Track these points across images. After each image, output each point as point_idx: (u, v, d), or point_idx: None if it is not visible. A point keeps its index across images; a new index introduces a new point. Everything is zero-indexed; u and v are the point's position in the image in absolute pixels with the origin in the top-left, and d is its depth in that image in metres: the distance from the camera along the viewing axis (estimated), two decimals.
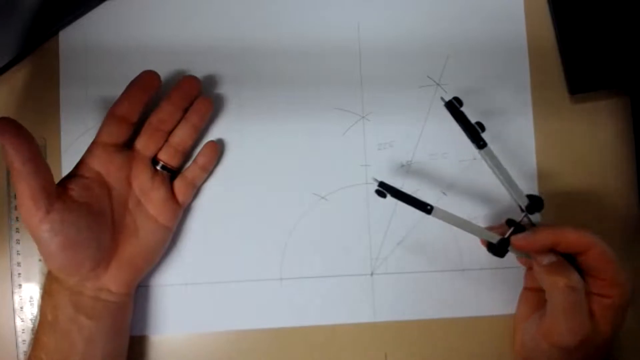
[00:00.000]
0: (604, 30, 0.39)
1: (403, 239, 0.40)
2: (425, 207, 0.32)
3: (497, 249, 0.35)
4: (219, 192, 0.40)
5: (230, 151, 0.41)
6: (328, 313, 0.40)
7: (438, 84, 0.41)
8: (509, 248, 0.35)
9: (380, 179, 0.32)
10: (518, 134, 0.40)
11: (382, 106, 0.41)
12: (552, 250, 0.34)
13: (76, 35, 0.41)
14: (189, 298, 0.40)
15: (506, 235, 0.35)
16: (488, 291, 0.40)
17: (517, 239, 0.34)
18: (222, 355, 0.40)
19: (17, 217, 0.40)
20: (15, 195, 0.40)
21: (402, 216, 0.40)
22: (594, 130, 0.41)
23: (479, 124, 0.33)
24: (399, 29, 0.41)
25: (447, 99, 0.34)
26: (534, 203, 0.35)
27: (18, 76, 0.41)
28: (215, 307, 0.40)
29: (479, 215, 0.40)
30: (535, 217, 0.36)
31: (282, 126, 0.41)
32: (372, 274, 0.40)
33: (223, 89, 0.41)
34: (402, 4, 0.41)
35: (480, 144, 0.33)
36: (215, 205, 0.40)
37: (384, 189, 0.32)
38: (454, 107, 0.33)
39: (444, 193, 0.40)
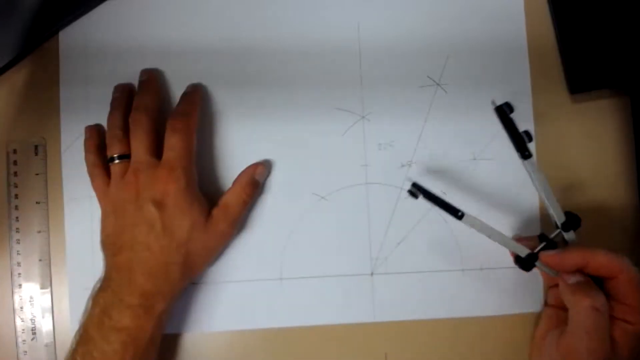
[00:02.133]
0: (604, 30, 0.39)
1: (403, 239, 0.40)
2: (456, 213, 0.32)
3: (525, 262, 0.35)
4: (219, 193, 0.40)
5: (230, 151, 0.41)
6: (328, 313, 0.40)
7: (438, 84, 0.41)
8: (537, 263, 0.35)
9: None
10: None
11: (382, 106, 0.41)
12: (580, 270, 0.34)
13: (76, 35, 0.41)
14: (189, 298, 0.40)
15: (536, 250, 0.35)
16: (488, 291, 0.40)
17: (547, 256, 0.34)
18: (222, 355, 0.40)
19: (17, 217, 0.40)
20: (15, 196, 0.40)
21: (402, 216, 0.40)
22: (594, 130, 0.41)
23: (527, 133, 0.32)
24: (399, 29, 0.41)
25: (497, 103, 0.32)
26: (571, 220, 0.35)
27: (18, 76, 0.41)
28: (215, 307, 0.40)
29: (479, 215, 0.40)
30: (571, 236, 0.35)
31: (282, 126, 0.41)
32: (372, 274, 0.40)
33: (223, 89, 0.41)
34: (402, 4, 0.41)
35: (525, 154, 0.32)
36: (215, 205, 0.40)
37: (417, 190, 0.32)
38: (503, 113, 0.32)
39: (444, 193, 0.40)
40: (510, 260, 0.39)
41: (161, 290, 0.36)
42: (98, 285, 0.36)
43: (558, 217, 0.35)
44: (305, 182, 0.41)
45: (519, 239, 0.37)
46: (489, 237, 0.34)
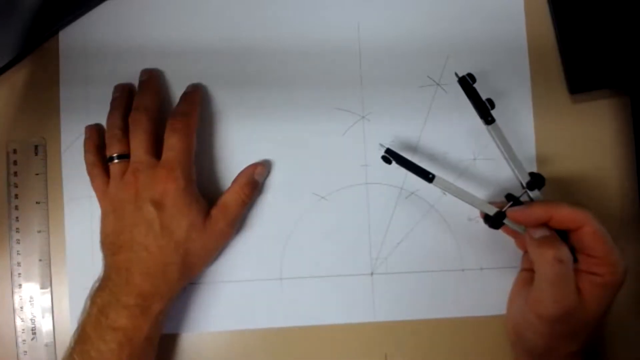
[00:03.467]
0: (604, 30, 0.39)
1: (403, 239, 0.40)
2: (427, 176, 0.34)
3: (493, 220, 0.36)
4: (219, 193, 0.40)
5: (230, 151, 0.41)
6: (328, 313, 0.40)
7: (438, 84, 0.41)
8: (505, 221, 0.36)
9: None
10: (518, 133, 0.40)
11: (382, 106, 0.41)
12: (546, 225, 0.34)
13: (76, 35, 0.41)
14: (189, 298, 0.40)
15: (504, 209, 0.36)
16: (488, 291, 0.40)
17: (513, 212, 0.35)
18: (222, 355, 0.40)
19: (17, 217, 0.40)
20: (15, 196, 0.40)
21: (402, 216, 0.40)
22: (594, 130, 0.41)
23: (489, 100, 0.35)
24: (399, 29, 0.41)
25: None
26: (535, 180, 0.36)
27: (18, 76, 0.41)
28: (215, 307, 0.40)
29: (479, 215, 0.40)
30: (536, 196, 0.36)
31: (282, 126, 0.41)
32: (372, 274, 0.40)
33: (223, 89, 0.41)
34: (402, 4, 0.41)
35: (488, 119, 0.35)
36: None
37: (390, 155, 0.34)
38: (466, 82, 0.35)
39: (444, 193, 0.40)
40: (510, 260, 0.39)
41: (159, 290, 0.36)
42: (97, 284, 0.36)
43: (523, 178, 0.36)
44: (305, 182, 0.41)
45: (489, 202, 0.38)
46: (460, 198, 0.35)
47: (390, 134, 0.41)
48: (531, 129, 0.41)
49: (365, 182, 0.41)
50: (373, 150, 0.41)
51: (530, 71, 0.41)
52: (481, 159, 0.41)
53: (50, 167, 0.41)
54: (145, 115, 0.38)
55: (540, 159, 0.40)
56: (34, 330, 0.40)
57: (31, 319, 0.40)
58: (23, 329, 0.40)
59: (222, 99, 0.41)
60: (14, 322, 0.40)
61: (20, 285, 0.40)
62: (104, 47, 0.41)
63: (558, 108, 0.41)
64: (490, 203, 0.36)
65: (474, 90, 0.35)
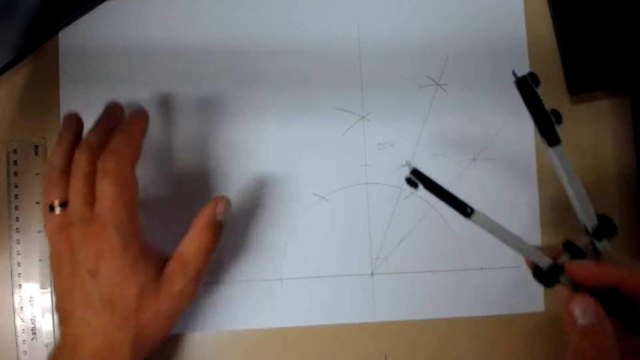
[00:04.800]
0: (604, 30, 0.39)
1: (403, 239, 0.40)
2: (464, 209, 0.27)
3: (546, 276, 0.28)
4: (219, 192, 0.40)
5: (230, 151, 0.41)
6: (328, 313, 0.40)
7: (438, 84, 0.41)
8: (561, 278, 0.28)
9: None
10: (518, 134, 0.40)
11: (382, 106, 0.41)
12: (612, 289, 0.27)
13: (76, 35, 0.41)
14: None
15: (560, 261, 0.28)
16: (488, 291, 0.40)
17: (576, 266, 0.28)
18: (222, 355, 0.40)
19: (17, 217, 0.40)
20: (15, 196, 0.40)
21: (402, 216, 0.40)
22: (594, 130, 0.41)
23: (555, 112, 0.26)
24: (399, 29, 0.41)
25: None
26: (605, 226, 0.28)
27: (18, 76, 0.41)
28: (215, 307, 0.40)
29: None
30: (604, 245, 0.29)
31: (282, 126, 0.41)
32: (372, 274, 0.40)
33: (223, 89, 0.41)
34: (402, 4, 0.41)
35: (553, 139, 0.26)
36: None
37: (417, 178, 0.26)
38: (527, 86, 0.26)
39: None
40: (510, 260, 0.39)
41: None
42: (52, 350, 0.32)
43: (589, 221, 0.28)
44: (305, 182, 0.41)
45: (538, 247, 0.29)
46: (503, 241, 0.28)
47: (390, 134, 0.41)
48: (531, 129, 0.41)
49: (365, 182, 0.41)
50: (373, 150, 0.41)
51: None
52: (481, 159, 0.41)
53: None
54: (87, 154, 0.31)
55: (540, 159, 0.40)
56: (34, 330, 0.40)
57: (31, 319, 0.40)
58: (23, 329, 0.40)
59: (221, 99, 0.41)
60: (14, 322, 0.40)
61: (20, 285, 0.40)
62: (104, 47, 0.41)
63: (558, 108, 0.41)
64: (540, 249, 0.28)
65: (537, 97, 0.26)
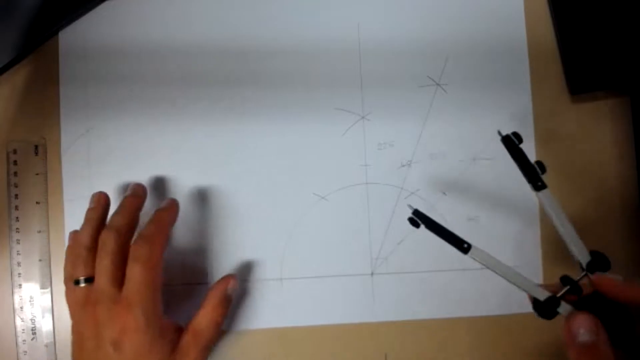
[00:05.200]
0: (604, 30, 0.39)
1: (403, 239, 0.40)
2: (461, 245, 0.29)
3: (545, 308, 0.29)
4: (219, 193, 0.40)
5: (230, 151, 0.41)
6: (328, 313, 0.40)
7: (438, 84, 0.41)
8: (561, 310, 0.29)
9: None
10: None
11: (382, 106, 0.41)
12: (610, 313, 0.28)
13: (76, 35, 0.41)
14: (189, 299, 0.40)
15: (559, 294, 0.29)
16: (488, 291, 0.40)
17: (604, 279, 0.29)
18: (222, 355, 0.40)
19: (17, 217, 0.40)
20: (15, 196, 0.40)
21: (402, 216, 0.40)
22: (594, 130, 0.41)
23: (539, 163, 0.30)
24: (399, 29, 0.41)
25: (504, 133, 0.30)
26: (597, 261, 0.29)
27: (18, 76, 0.41)
28: None
29: (479, 215, 0.40)
30: None
31: (282, 126, 0.41)
32: (372, 274, 0.40)
33: (223, 89, 0.41)
34: (402, 4, 0.41)
35: (538, 184, 0.30)
36: (215, 205, 0.40)
37: (418, 218, 0.29)
38: (512, 143, 0.30)
39: (443, 193, 0.40)
40: (510, 260, 0.39)
41: None
42: None
43: (582, 257, 0.30)
44: (305, 182, 0.41)
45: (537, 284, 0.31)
46: (500, 274, 0.30)
47: (390, 134, 0.41)
48: (531, 129, 0.41)
49: (365, 182, 0.41)
50: (373, 150, 0.41)
51: (530, 71, 0.41)
52: (481, 159, 0.41)
53: (50, 167, 0.41)
54: (115, 236, 0.34)
55: (540, 159, 0.40)
56: (34, 330, 0.40)
57: (31, 319, 0.40)
58: (23, 329, 0.40)
59: (221, 99, 0.41)
60: (14, 322, 0.40)
61: (20, 285, 0.40)
62: (104, 47, 0.41)
63: (558, 108, 0.41)
64: (542, 286, 0.30)
65: (521, 152, 0.30)
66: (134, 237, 0.35)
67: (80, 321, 0.34)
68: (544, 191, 0.30)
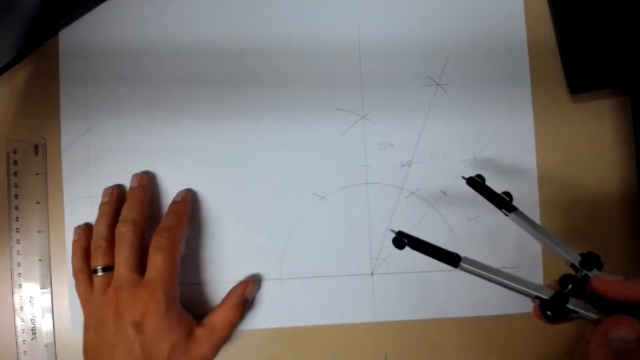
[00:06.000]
0: (604, 30, 0.39)
1: None
2: (450, 258, 0.28)
3: (553, 306, 0.26)
4: (219, 193, 0.40)
5: (230, 151, 0.41)
6: (328, 313, 0.40)
7: (438, 84, 0.41)
8: (572, 306, 0.26)
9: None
10: (518, 134, 0.40)
11: (382, 106, 0.41)
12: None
13: (76, 35, 0.41)
14: (190, 298, 0.40)
15: (567, 290, 0.27)
16: (488, 291, 0.40)
17: (606, 281, 0.27)
18: (222, 355, 0.40)
19: (17, 217, 0.40)
20: (15, 196, 0.40)
21: (402, 216, 0.40)
22: (594, 130, 0.41)
23: (506, 193, 0.33)
24: (399, 29, 0.41)
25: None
26: (590, 259, 0.29)
27: (18, 76, 0.41)
28: None
29: (479, 215, 0.40)
30: (596, 275, 0.28)
31: (282, 126, 0.41)
32: (372, 274, 0.40)
33: (223, 89, 0.41)
34: (402, 4, 0.41)
35: (509, 207, 0.32)
36: (215, 205, 0.40)
37: (402, 237, 0.28)
38: (476, 183, 0.34)
39: (444, 193, 0.40)
40: (510, 260, 0.39)
41: None
42: None
43: (573, 259, 0.29)
44: (305, 182, 0.41)
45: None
46: (495, 282, 0.27)
47: (390, 134, 0.41)
48: (531, 129, 0.41)
49: (365, 182, 0.41)
50: (373, 150, 0.41)
51: (530, 71, 0.41)
52: (481, 159, 0.41)
53: (50, 167, 0.41)
54: (132, 229, 0.37)
55: (541, 159, 0.40)
56: (34, 330, 0.40)
57: (31, 319, 0.40)
58: (23, 329, 0.40)
59: (221, 99, 0.41)
60: (14, 322, 0.40)
61: (20, 285, 0.40)
62: (104, 47, 0.41)
63: (558, 108, 0.41)
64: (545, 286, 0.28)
65: (488, 188, 0.34)
66: (158, 229, 0.37)
67: (100, 306, 0.36)
68: (515, 212, 0.32)
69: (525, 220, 0.32)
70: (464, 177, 0.34)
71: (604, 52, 0.39)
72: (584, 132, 0.41)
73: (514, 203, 0.33)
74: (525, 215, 0.32)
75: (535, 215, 0.40)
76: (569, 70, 0.40)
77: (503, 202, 0.33)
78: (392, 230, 0.29)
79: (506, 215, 0.32)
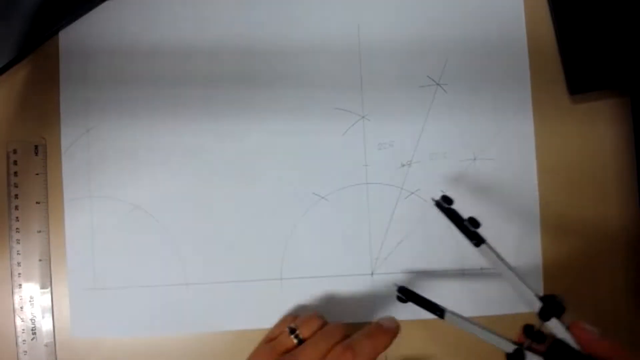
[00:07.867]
0: (604, 30, 0.39)
1: (403, 239, 0.40)
2: (436, 311, 0.32)
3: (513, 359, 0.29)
4: (219, 192, 0.40)
5: (230, 151, 0.41)
6: (328, 313, 0.40)
7: (438, 84, 0.41)
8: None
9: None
10: (518, 134, 0.40)
11: (382, 106, 0.41)
12: None
13: (76, 35, 0.41)
14: (190, 298, 0.40)
15: (525, 345, 0.29)
16: (488, 291, 0.40)
17: (582, 330, 0.29)
18: (222, 355, 0.40)
19: (17, 217, 0.40)
20: (15, 196, 0.40)
21: (402, 216, 0.40)
22: (594, 130, 0.41)
23: (472, 220, 0.31)
24: (399, 29, 0.41)
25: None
26: (550, 306, 0.29)
27: (18, 76, 0.41)
28: (216, 308, 0.40)
29: (479, 215, 0.40)
30: (555, 326, 0.29)
31: (282, 126, 0.41)
32: (372, 274, 0.40)
33: (223, 89, 0.41)
34: (402, 4, 0.41)
35: (478, 240, 0.30)
36: (215, 205, 0.40)
37: (403, 295, 0.33)
38: (442, 206, 0.31)
39: (443, 192, 0.40)
40: (510, 260, 0.39)
41: None
42: None
43: (532, 303, 0.30)
44: (305, 182, 0.41)
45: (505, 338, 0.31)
46: (473, 332, 0.31)
47: (390, 134, 0.41)
48: (531, 129, 0.41)
49: (365, 182, 0.41)
50: (373, 150, 0.41)
51: (530, 71, 0.41)
52: (481, 159, 0.41)
53: (50, 167, 0.41)
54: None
55: (541, 159, 0.40)
56: (34, 330, 0.40)
57: (31, 319, 0.40)
58: (23, 329, 0.40)
59: (222, 99, 0.41)
60: (14, 322, 0.40)
61: (20, 285, 0.40)
62: (104, 47, 0.41)
63: (558, 108, 0.41)
64: (507, 339, 0.30)
65: (454, 212, 0.31)
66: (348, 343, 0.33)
67: None
68: (483, 246, 0.31)
69: (494, 256, 0.31)
70: (432, 199, 0.32)
71: (603, 53, 0.39)
72: (584, 133, 0.41)
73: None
74: (494, 250, 0.31)
75: (535, 214, 0.40)
76: (569, 70, 0.40)
77: (471, 234, 0.31)
78: (394, 285, 0.34)
79: (474, 246, 0.31)
